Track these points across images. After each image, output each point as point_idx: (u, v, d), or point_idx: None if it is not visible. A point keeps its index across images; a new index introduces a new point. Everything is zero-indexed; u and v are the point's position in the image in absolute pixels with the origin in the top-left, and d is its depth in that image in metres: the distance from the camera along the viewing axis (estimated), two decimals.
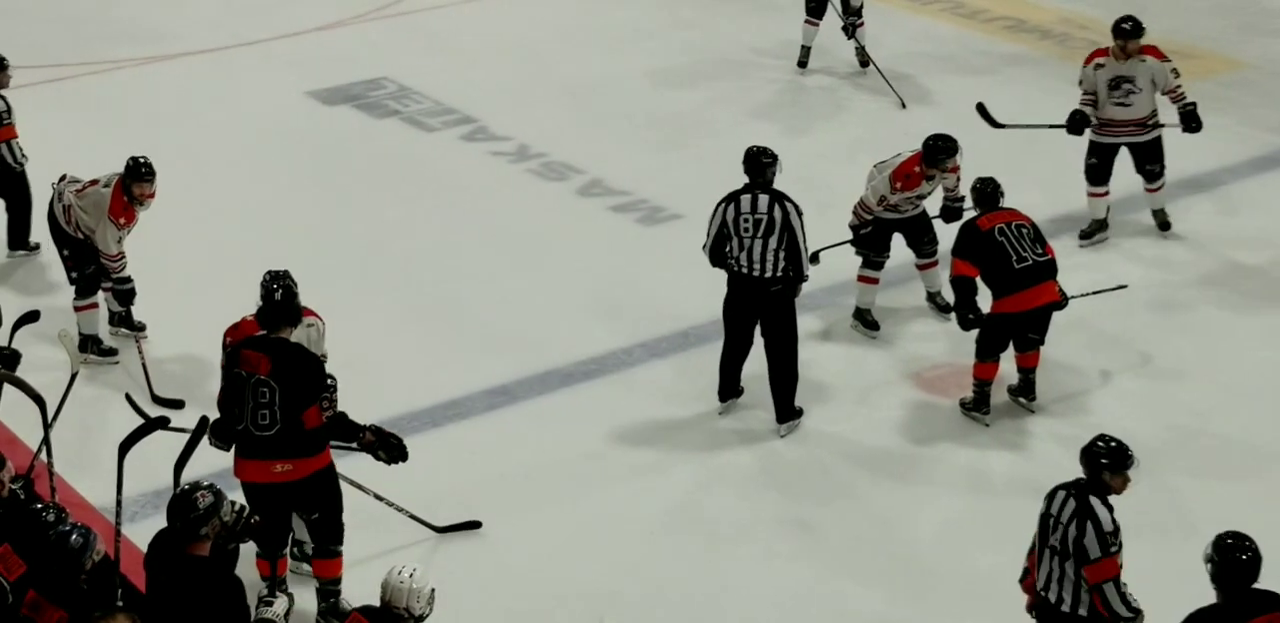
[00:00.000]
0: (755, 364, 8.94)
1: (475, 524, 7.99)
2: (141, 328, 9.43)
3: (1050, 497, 6.49)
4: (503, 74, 13.38)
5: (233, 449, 7.16)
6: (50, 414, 7.77)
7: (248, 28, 14.09)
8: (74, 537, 5.79)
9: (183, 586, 6.04)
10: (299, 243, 10.42)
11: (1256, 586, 5.87)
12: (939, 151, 9.34)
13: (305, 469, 7.07)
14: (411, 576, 5.88)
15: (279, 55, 13.66)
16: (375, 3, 14.55)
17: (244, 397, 6.99)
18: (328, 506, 7.22)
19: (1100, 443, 6.47)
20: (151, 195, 9.21)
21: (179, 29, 14.14)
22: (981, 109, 10.93)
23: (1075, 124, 10.50)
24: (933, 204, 9.74)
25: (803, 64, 13.45)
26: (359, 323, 9.29)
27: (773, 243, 8.47)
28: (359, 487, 7.69)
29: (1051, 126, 10.63)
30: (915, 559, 7.93)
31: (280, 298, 7.21)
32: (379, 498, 7.77)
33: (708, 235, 8.64)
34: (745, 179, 8.59)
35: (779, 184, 8.61)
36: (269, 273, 7.37)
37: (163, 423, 7.39)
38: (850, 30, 13.04)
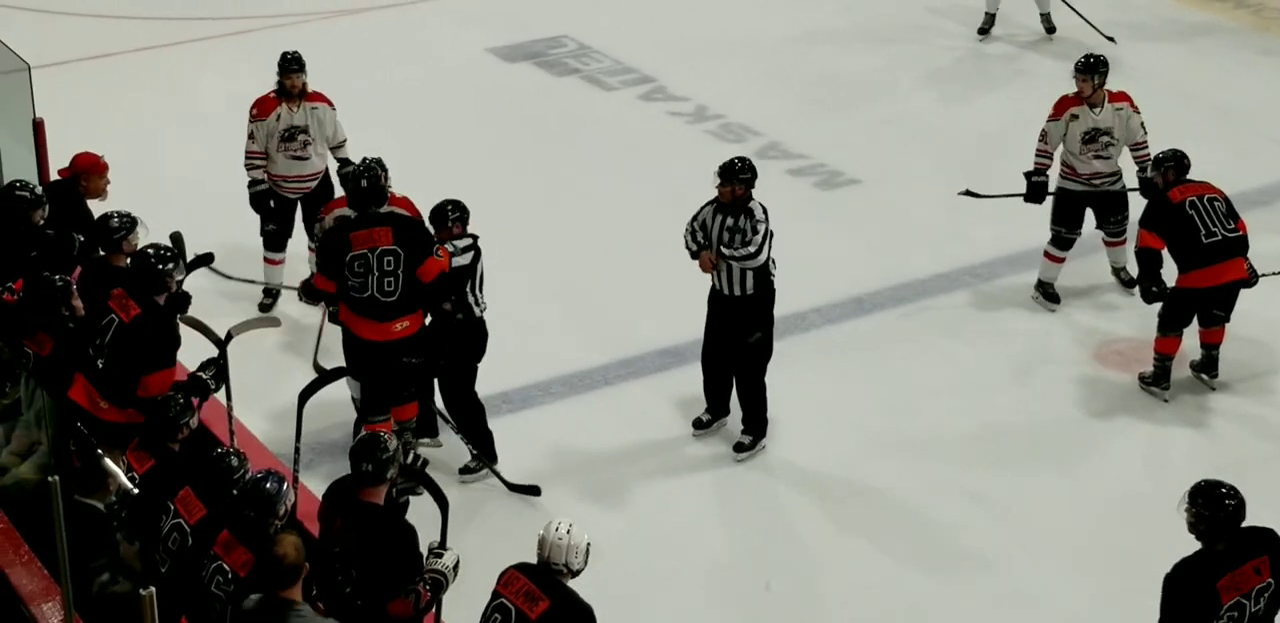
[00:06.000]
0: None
1: (535, 490, 7.97)
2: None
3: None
4: (683, 34, 13.30)
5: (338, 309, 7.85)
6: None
7: None
8: (269, 484, 5.86)
9: (357, 532, 6.11)
10: (473, 197, 10.42)
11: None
12: (1087, 67, 9.29)
13: (416, 324, 7.78)
14: (569, 531, 5.88)
15: (460, 11, 13.71)
16: None
17: (369, 268, 7.59)
18: (427, 353, 7.83)
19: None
20: (298, 87, 9.44)
21: None
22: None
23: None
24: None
25: (984, 31, 13.24)
26: (525, 278, 9.42)
27: None
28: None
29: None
30: (1094, 534, 7.83)
31: (368, 184, 7.82)
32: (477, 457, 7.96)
33: None
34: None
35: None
36: (363, 160, 8.00)
37: (342, 373, 7.51)
38: None
